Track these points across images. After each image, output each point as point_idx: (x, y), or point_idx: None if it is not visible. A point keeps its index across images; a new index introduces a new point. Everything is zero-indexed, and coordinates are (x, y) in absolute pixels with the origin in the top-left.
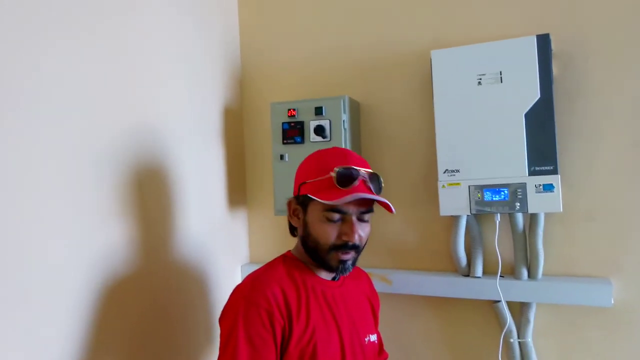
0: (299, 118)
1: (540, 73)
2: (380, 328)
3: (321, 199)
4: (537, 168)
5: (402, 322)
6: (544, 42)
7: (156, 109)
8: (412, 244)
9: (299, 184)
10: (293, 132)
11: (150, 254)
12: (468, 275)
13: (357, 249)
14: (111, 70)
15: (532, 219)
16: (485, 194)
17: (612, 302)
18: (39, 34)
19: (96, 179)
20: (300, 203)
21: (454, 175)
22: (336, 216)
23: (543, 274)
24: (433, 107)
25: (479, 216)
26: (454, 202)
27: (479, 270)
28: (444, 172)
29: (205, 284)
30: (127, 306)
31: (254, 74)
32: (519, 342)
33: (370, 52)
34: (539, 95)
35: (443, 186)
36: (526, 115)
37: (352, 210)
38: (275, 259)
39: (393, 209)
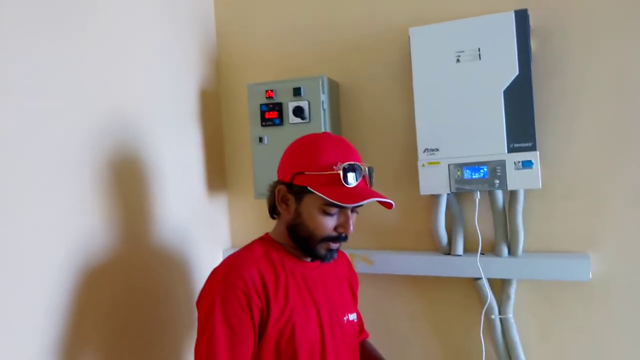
0: (277, 99)
1: (518, 49)
2: (362, 308)
3: (329, 197)
4: (516, 145)
5: (384, 301)
6: (522, 17)
7: (130, 92)
8: (393, 224)
9: (294, 173)
10: (271, 113)
11: (129, 239)
12: (449, 254)
13: (346, 239)
14: (83, 54)
15: (512, 196)
16: (464, 172)
17: (590, 276)
18: (11, 19)
19: (74, 163)
20: (294, 192)
21: (433, 154)
22: (334, 210)
23: (523, 251)
24: (412, 85)
25: (459, 194)
26: (433, 181)
27: (459, 248)
28: (424, 151)
29: (185, 269)
30: (105, 291)
31: (231, 54)
32: (500, 319)
33: (349, 31)
34: (517, 72)
35: (423, 165)
36: (505, 92)
37: (350, 205)
38: (253, 242)
39: (393, 205)
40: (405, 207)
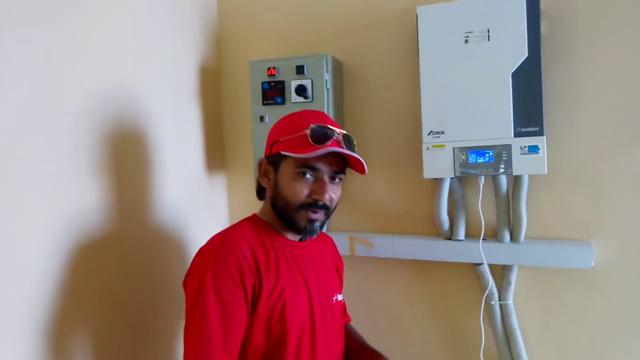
0: (279, 77)
1: (528, 31)
2: (361, 292)
3: (293, 153)
4: (522, 129)
5: (384, 285)
6: None
7: (126, 68)
8: (395, 207)
9: (271, 143)
10: (274, 92)
11: (125, 217)
12: (450, 239)
13: (327, 210)
14: (82, 29)
15: (516, 181)
16: (470, 155)
17: (592, 264)
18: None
19: (72, 138)
20: (272, 163)
21: (438, 137)
22: (308, 173)
23: (525, 237)
24: (418, 66)
25: (463, 179)
26: (438, 164)
27: (461, 233)
28: (429, 134)
29: (182, 249)
30: (99, 268)
31: (232, 29)
32: (500, 305)
33: (354, 8)
34: (526, 54)
35: (427, 148)
36: (513, 75)
37: (325, 169)
38: (240, 221)
39: (366, 169)
40: (407, 191)
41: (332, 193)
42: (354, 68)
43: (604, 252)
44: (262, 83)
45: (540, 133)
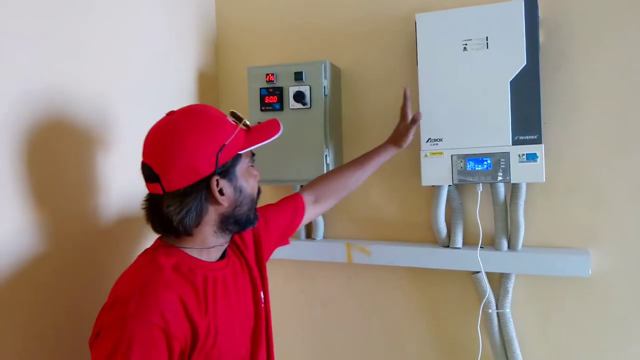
0: (277, 83)
1: (527, 39)
2: (359, 298)
3: (257, 143)
4: (521, 137)
5: (382, 292)
6: (531, 6)
7: (120, 74)
8: (392, 214)
9: (216, 154)
10: (271, 98)
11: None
12: (448, 246)
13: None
14: (77, 33)
15: (514, 189)
16: (468, 163)
17: (590, 272)
18: None
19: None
20: (224, 176)
21: (436, 144)
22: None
23: (523, 245)
24: (417, 73)
25: (461, 186)
26: (436, 171)
27: (459, 241)
28: (427, 141)
29: None
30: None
31: (230, 35)
32: (498, 313)
33: (353, 15)
34: (525, 62)
35: (425, 155)
36: (511, 83)
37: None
38: (149, 253)
39: (281, 128)
40: (405, 198)
41: None
42: (352, 75)
43: (601, 261)
44: (260, 89)
45: (538, 141)
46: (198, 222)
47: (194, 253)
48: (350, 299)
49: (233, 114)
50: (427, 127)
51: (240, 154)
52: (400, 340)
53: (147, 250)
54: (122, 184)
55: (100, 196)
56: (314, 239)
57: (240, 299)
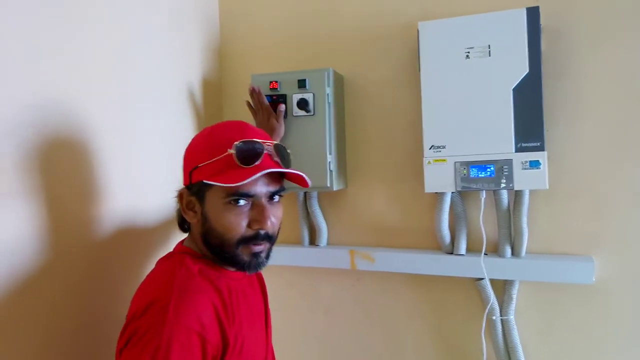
0: (281, 91)
1: (529, 47)
2: (363, 305)
3: (221, 182)
4: (524, 144)
5: (385, 299)
6: (533, 15)
7: (127, 83)
8: (396, 221)
9: (190, 171)
10: (275, 105)
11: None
12: (452, 253)
13: (271, 238)
14: (81, 41)
15: (517, 196)
16: (471, 170)
17: (594, 279)
18: None
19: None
20: (194, 193)
21: (439, 151)
22: (242, 201)
23: (526, 252)
24: (419, 81)
25: (464, 193)
26: (439, 179)
27: (462, 247)
28: (430, 148)
29: None
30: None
31: (234, 44)
32: (501, 320)
33: (355, 23)
34: (527, 70)
35: (429, 162)
36: (514, 90)
37: (261, 192)
38: (181, 260)
39: (308, 181)
40: (408, 205)
41: (273, 217)
42: (355, 82)
43: (605, 268)
44: (264, 97)
45: (541, 148)
46: (183, 220)
47: (216, 262)
48: (353, 306)
49: (246, 142)
50: (430, 135)
51: (208, 183)
52: (403, 346)
53: (171, 254)
54: (126, 189)
55: (105, 202)
56: (317, 245)
57: (255, 311)
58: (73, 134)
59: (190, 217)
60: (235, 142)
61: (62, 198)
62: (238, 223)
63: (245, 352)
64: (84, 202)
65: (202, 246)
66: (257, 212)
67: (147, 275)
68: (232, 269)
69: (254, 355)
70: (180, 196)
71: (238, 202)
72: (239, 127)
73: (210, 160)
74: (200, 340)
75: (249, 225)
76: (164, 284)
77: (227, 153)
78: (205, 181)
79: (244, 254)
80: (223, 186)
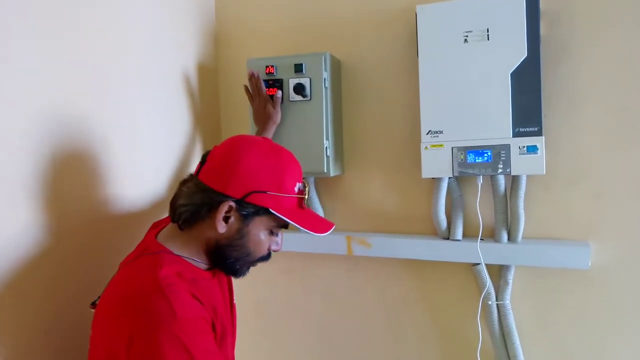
0: (277, 75)
1: (528, 31)
2: (359, 291)
3: (303, 226)
4: (521, 129)
5: (382, 285)
6: None
7: (121, 68)
8: (392, 207)
9: (252, 191)
10: (271, 90)
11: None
12: (448, 238)
13: None
14: (74, 25)
15: (514, 181)
16: (468, 155)
17: (590, 264)
18: None
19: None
20: (243, 210)
21: (437, 136)
22: (280, 231)
23: (523, 237)
24: (417, 65)
25: (461, 179)
26: (436, 164)
27: (459, 233)
28: (427, 134)
29: None
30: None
31: (230, 28)
32: (497, 305)
33: (354, 6)
34: (525, 54)
35: (426, 148)
36: (512, 75)
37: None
38: (147, 261)
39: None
40: (405, 191)
41: None
42: (352, 66)
43: (601, 253)
44: (263, 83)
45: (539, 133)
46: (190, 224)
47: (190, 260)
48: (350, 291)
49: (303, 184)
50: (427, 119)
51: (270, 211)
52: (400, 331)
53: (145, 252)
54: (124, 178)
55: (103, 190)
56: None
57: (227, 308)
58: (73, 120)
59: (220, 227)
60: (299, 184)
61: (64, 185)
62: (267, 245)
63: (227, 342)
64: (86, 188)
65: (198, 251)
66: (278, 239)
67: (123, 273)
68: (204, 268)
69: (230, 351)
70: (226, 207)
71: (277, 234)
72: (297, 164)
73: (282, 195)
74: (206, 322)
75: (269, 247)
76: (144, 289)
77: (296, 196)
78: (274, 211)
79: (249, 268)
80: (294, 225)
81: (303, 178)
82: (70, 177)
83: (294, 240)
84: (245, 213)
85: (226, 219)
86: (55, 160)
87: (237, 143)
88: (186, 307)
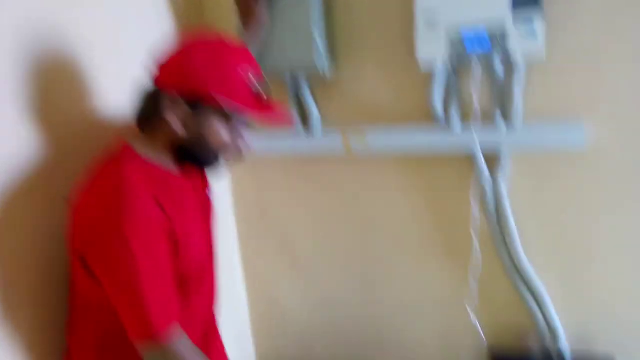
0: None
1: None
2: (359, 183)
3: (250, 109)
4: (520, 8)
5: (380, 179)
6: None
7: None
8: (388, 99)
9: (196, 88)
10: None
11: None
12: (445, 127)
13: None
14: None
15: (512, 66)
16: (464, 35)
17: (584, 142)
18: None
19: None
20: (193, 106)
21: (432, 17)
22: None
23: (521, 122)
24: None
25: (457, 64)
26: (431, 47)
27: (455, 120)
28: (422, 15)
29: None
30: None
31: None
32: (494, 189)
33: None
34: None
35: (420, 30)
36: None
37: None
38: (113, 161)
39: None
40: (400, 80)
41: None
42: None
43: (598, 133)
44: None
45: (539, 9)
46: (146, 124)
47: (157, 160)
48: (349, 185)
49: (258, 78)
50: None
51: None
52: (399, 221)
53: (112, 158)
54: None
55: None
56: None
57: (199, 214)
58: (56, 31)
59: (173, 124)
60: (251, 75)
61: (52, 95)
62: (230, 140)
63: (193, 248)
64: (76, 98)
65: (163, 150)
66: (244, 134)
67: (91, 180)
68: (173, 168)
69: (200, 253)
70: (172, 106)
71: (239, 128)
72: (245, 54)
73: (227, 86)
74: (161, 229)
75: (233, 142)
76: (107, 193)
77: (246, 86)
78: (221, 103)
79: (214, 157)
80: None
81: (262, 75)
82: (59, 89)
83: (290, 143)
84: (194, 107)
85: (178, 116)
86: (40, 72)
87: (184, 41)
88: (143, 210)
